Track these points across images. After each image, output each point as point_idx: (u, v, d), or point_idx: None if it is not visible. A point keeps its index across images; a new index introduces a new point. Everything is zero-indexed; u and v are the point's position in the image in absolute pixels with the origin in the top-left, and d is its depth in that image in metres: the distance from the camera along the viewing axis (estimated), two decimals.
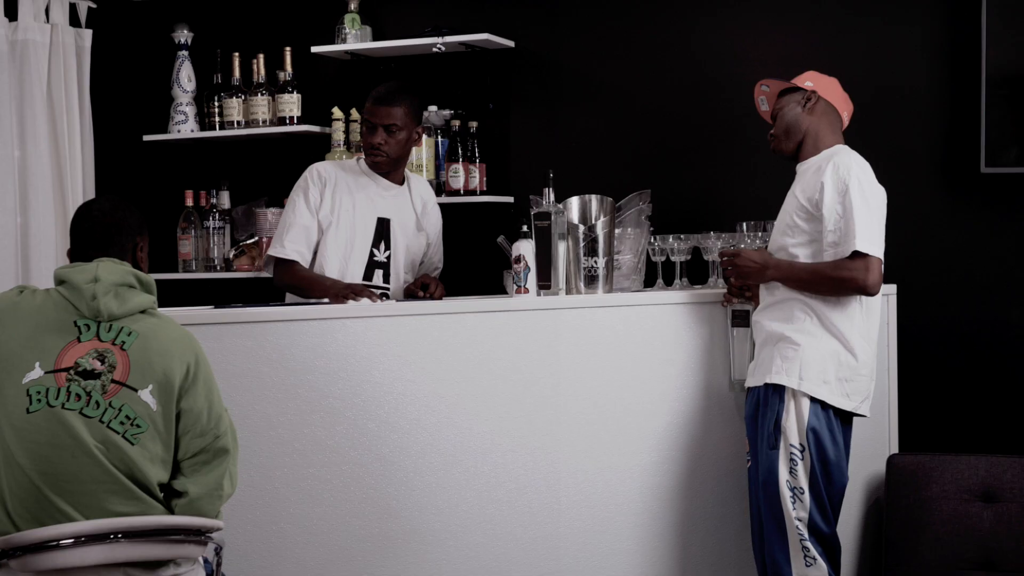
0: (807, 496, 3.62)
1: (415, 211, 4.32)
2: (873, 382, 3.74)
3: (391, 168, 4.23)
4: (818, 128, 3.78)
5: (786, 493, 3.63)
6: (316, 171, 4.25)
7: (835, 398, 3.63)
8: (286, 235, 4.19)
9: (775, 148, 3.86)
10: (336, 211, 4.18)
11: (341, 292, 3.97)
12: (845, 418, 3.69)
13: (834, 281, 3.59)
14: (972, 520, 3.98)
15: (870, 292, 3.58)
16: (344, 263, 4.18)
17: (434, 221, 4.40)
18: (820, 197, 3.62)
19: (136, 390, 2.85)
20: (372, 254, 4.22)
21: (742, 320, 3.93)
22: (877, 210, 3.63)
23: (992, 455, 4.09)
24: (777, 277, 3.70)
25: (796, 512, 3.63)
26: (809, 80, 3.83)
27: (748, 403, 3.77)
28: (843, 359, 3.63)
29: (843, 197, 3.58)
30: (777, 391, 3.65)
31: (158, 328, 2.94)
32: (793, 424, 3.62)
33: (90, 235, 3.05)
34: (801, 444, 3.61)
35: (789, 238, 3.71)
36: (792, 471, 3.62)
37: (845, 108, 3.85)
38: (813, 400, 3.62)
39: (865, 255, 3.54)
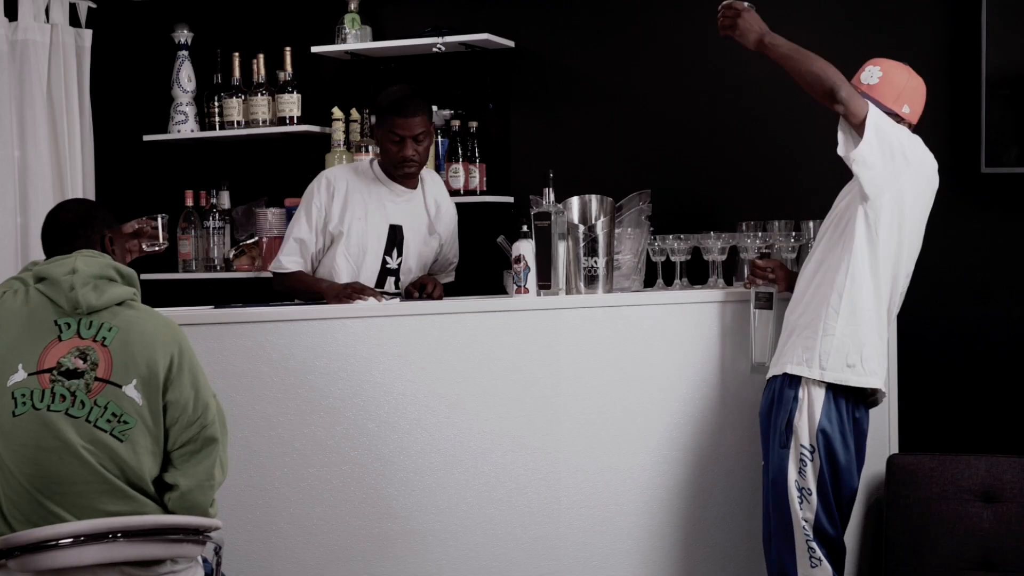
0: (814, 498, 3.61)
1: (428, 214, 4.31)
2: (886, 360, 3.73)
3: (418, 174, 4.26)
4: None
5: (794, 493, 3.62)
6: (325, 180, 4.24)
7: (860, 379, 3.60)
8: (283, 250, 4.26)
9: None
10: (348, 221, 4.17)
11: (341, 293, 3.97)
12: (859, 422, 3.66)
13: (819, 71, 3.56)
14: (972, 520, 3.98)
15: (838, 95, 3.53)
16: (356, 272, 4.18)
17: (447, 221, 4.39)
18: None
19: (120, 386, 2.84)
20: (384, 262, 4.22)
21: (765, 302, 3.90)
22: (893, 128, 3.58)
23: (992, 455, 4.09)
24: (770, 42, 3.66)
25: (803, 512, 3.62)
26: (907, 104, 3.71)
27: (764, 398, 3.77)
28: (863, 339, 3.60)
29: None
30: (793, 386, 3.64)
31: (138, 320, 2.92)
32: (805, 424, 3.61)
33: (56, 233, 3.05)
34: (811, 445, 3.60)
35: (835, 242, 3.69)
36: (801, 471, 3.62)
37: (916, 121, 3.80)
38: (827, 398, 3.60)
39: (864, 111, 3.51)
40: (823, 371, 3.60)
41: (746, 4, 3.75)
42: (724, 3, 3.76)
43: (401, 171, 4.18)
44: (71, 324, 2.87)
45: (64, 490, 2.79)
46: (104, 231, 3.08)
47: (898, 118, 3.69)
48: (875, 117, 3.54)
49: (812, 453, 3.61)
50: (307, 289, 4.15)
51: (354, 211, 4.18)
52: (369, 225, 4.19)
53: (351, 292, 3.96)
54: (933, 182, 3.73)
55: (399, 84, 4.35)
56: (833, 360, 3.60)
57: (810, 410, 3.61)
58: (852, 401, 3.64)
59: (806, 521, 3.62)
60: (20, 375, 2.82)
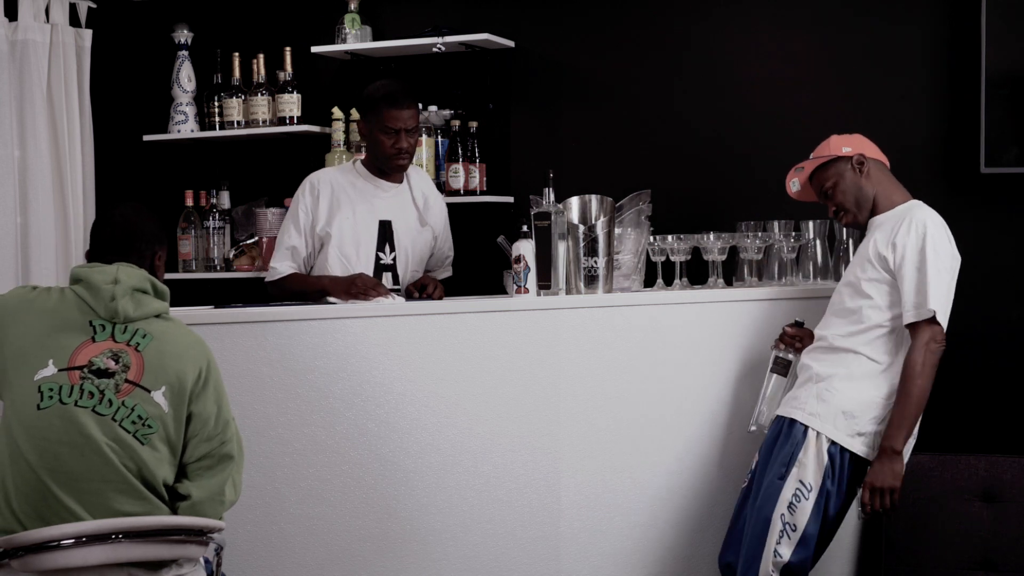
0: (796, 535, 3.54)
1: (416, 207, 4.30)
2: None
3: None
4: (883, 187, 3.72)
5: (776, 525, 3.56)
6: (309, 184, 4.24)
7: (867, 450, 3.57)
8: (274, 258, 4.27)
9: (849, 223, 3.76)
10: (336, 222, 4.17)
11: (349, 287, 3.97)
12: (860, 469, 3.61)
13: (930, 374, 3.53)
14: (972, 520, 3.98)
15: (935, 327, 3.55)
16: (350, 270, 4.16)
17: (437, 212, 4.38)
18: (896, 258, 3.56)
19: (149, 391, 2.87)
20: (378, 258, 4.21)
21: (783, 369, 3.83)
22: (947, 270, 3.57)
23: (992, 455, 4.09)
24: (904, 443, 3.53)
25: (779, 547, 3.54)
26: (844, 145, 3.73)
27: (772, 428, 3.71)
28: (884, 412, 3.57)
29: (919, 258, 3.53)
30: (804, 426, 3.60)
31: (172, 331, 2.97)
32: (812, 462, 3.55)
33: (111, 240, 3.07)
34: (810, 484, 3.54)
35: (863, 299, 3.62)
36: (791, 507, 3.55)
37: (883, 158, 3.79)
38: (835, 446, 3.55)
39: (930, 320, 3.51)
40: (835, 430, 3.56)
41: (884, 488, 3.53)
42: (865, 510, 3.56)
43: (394, 163, 4.17)
44: (106, 327, 2.91)
45: (82, 486, 2.80)
46: (155, 247, 3.12)
47: (846, 160, 3.70)
48: (939, 308, 3.54)
49: (809, 492, 3.55)
50: (307, 289, 4.15)
51: (341, 210, 4.18)
52: (358, 222, 4.19)
53: (362, 287, 3.96)
54: None
55: (386, 78, 4.33)
56: (844, 423, 3.56)
57: (819, 452, 3.56)
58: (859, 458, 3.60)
59: (778, 555, 3.54)
60: (50, 370, 2.84)
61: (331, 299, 3.98)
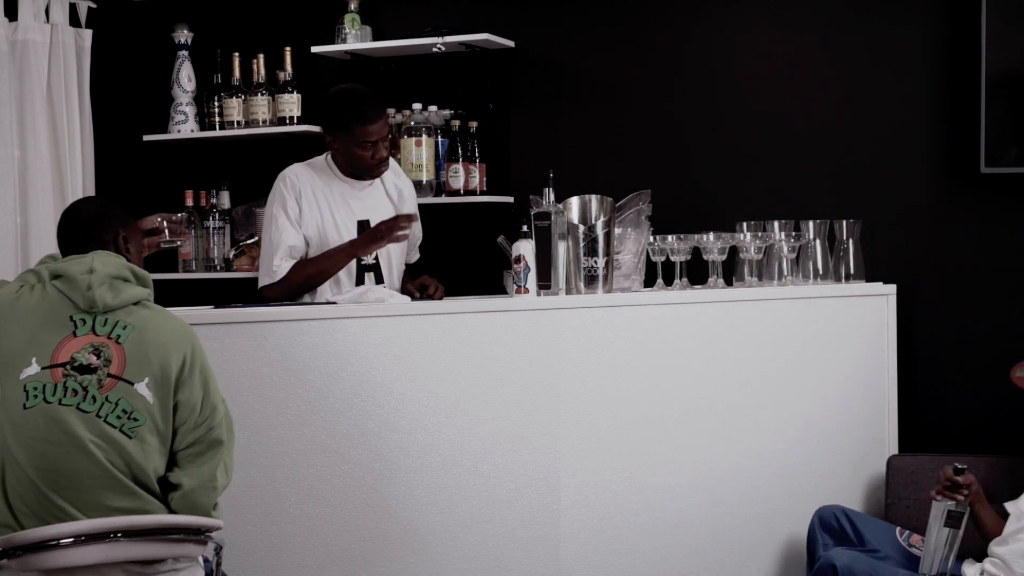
0: None
1: (392, 201, 4.27)
2: None
3: None
4: None
5: None
6: (288, 181, 4.15)
7: None
8: (275, 257, 4.10)
9: None
10: (316, 224, 4.13)
11: (374, 238, 4.01)
12: None
13: None
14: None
15: None
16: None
17: (410, 201, 4.34)
18: None
19: (132, 383, 2.85)
20: (359, 259, 4.19)
21: (956, 522, 3.54)
22: None
23: (992, 455, 4.09)
24: None
25: None
26: None
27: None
28: None
29: None
30: None
31: (153, 320, 2.94)
32: None
33: (72, 233, 3.05)
34: None
35: None
36: None
37: None
38: None
39: None
40: None
41: None
42: None
43: (376, 172, 4.15)
44: (86, 320, 2.89)
45: (70, 484, 2.80)
46: (119, 231, 3.09)
47: None
48: None
49: None
50: (318, 271, 4.06)
51: (321, 214, 4.14)
52: (339, 225, 4.15)
53: (386, 230, 4.01)
54: None
55: (348, 87, 4.21)
56: None
57: None
58: None
59: None
60: (33, 368, 2.83)
61: (332, 299, 3.97)
